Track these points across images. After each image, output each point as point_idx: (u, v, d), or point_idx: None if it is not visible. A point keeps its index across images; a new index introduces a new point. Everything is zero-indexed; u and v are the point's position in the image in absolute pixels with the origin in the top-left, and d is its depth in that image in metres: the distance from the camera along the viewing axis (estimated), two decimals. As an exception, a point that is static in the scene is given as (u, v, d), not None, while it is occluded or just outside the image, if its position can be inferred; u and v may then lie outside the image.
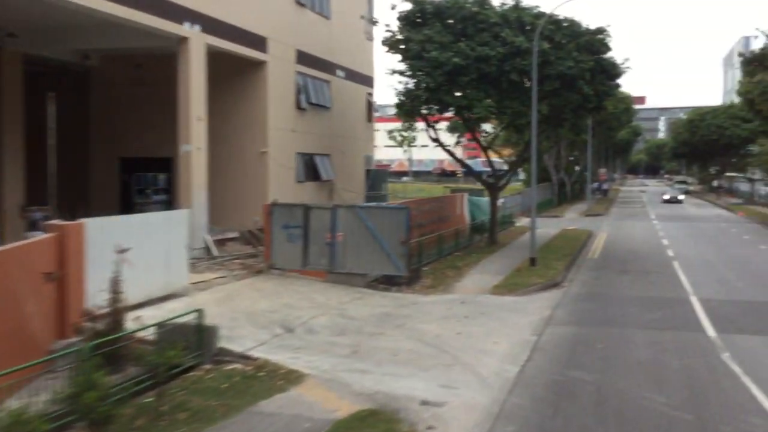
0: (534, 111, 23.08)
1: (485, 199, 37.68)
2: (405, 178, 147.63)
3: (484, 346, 13.14)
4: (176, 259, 15.24)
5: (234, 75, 24.96)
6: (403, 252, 18.20)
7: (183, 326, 11.45)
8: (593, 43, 26.15)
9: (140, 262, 13.56)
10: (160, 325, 11.47)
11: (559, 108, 26.31)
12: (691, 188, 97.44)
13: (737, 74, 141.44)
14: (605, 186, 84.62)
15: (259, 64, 25.06)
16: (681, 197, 68.14)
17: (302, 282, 18.31)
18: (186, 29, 20.77)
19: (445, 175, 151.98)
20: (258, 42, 24.60)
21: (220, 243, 22.96)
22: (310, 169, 28.83)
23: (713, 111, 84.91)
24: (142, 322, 11.66)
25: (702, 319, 15.47)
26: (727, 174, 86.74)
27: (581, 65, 25.10)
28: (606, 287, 20.12)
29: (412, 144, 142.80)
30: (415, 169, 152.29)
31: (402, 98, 27.12)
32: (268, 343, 12.63)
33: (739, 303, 17.49)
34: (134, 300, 13.83)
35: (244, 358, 11.48)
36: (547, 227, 38.66)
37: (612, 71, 27.16)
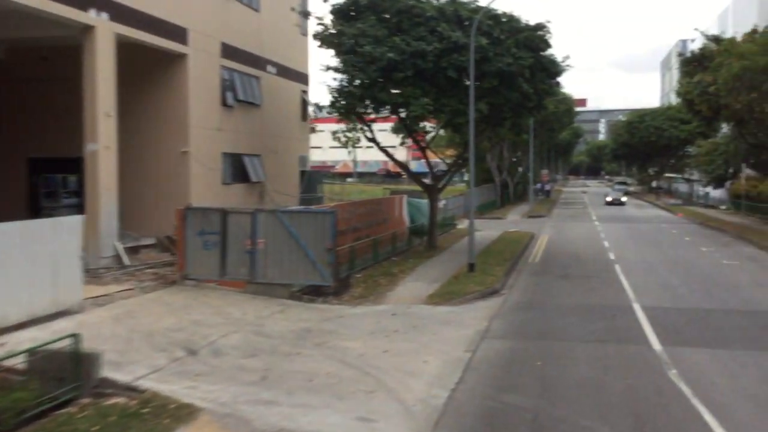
0: (471, 109, 21.97)
1: (425, 201, 36.57)
2: (350, 180, 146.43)
3: (413, 366, 11.81)
4: (67, 271, 13.44)
5: (151, 68, 23.13)
6: (330, 260, 16.75)
7: (58, 353, 9.78)
8: (533, 39, 25.21)
9: (18, 276, 11.78)
10: (30, 352, 9.77)
11: (498, 107, 25.30)
12: (631, 189, 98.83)
13: (675, 77, 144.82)
14: (548, 187, 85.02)
15: (179, 57, 23.26)
16: (624, 199, 67.56)
17: (218, 294, 16.68)
18: (92, 17, 18.89)
19: (390, 176, 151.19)
20: (177, 33, 22.80)
21: (134, 251, 21.11)
22: (238, 170, 27.12)
23: (652, 113, 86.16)
24: (10, 348, 9.96)
25: (646, 329, 14.49)
26: (666, 175, 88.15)
27: (520, 62, 24.14)
28: (546, 294, 19.10)
29: (356, 145, 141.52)
30: (359, 170, 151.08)
31: (336, 96, 25.74)
32: (165, 369, 11.02)
33: (683, 311, 16.63)
34: (12, 320, 12.07)
35: (129, 389, 9.86)
36: (490, 229, 37.81)
37: (552, 69, 26.30)
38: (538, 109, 27.71)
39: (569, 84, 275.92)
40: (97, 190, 19.21)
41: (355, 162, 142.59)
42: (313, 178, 33.71)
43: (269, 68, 29.58)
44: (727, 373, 11.52)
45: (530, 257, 27.26)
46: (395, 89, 24.49)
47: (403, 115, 26.07)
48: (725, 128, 76.38)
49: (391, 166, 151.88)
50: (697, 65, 38.90)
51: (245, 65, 27.55)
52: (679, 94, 41.16)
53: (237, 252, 17.01)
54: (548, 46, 25.93)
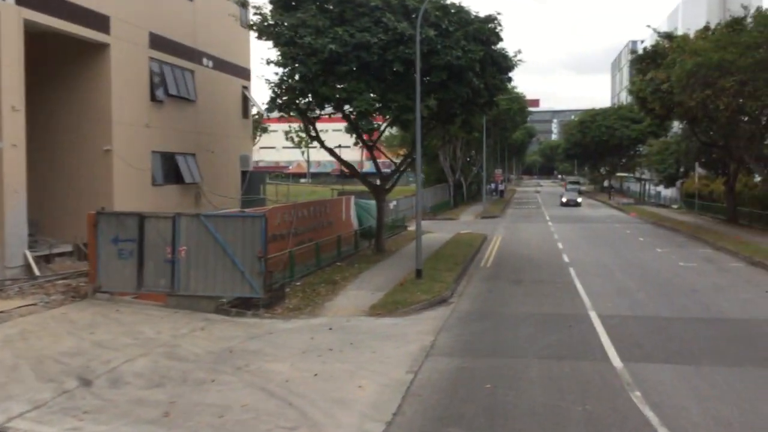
0: (417, 105, 20.56)
1: (374, 202, 35.13)
2: (303, 180, 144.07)
3: (346, 392, 10.31)
4: (-56, 288, 11.55)
5: (69, 59, 21.16)
6: (260, 269, 15.12)
7: None
8: (483, 32, 23.97)
9: None
10: None
11: (448, 102, 23.99)
12: (583, 188, 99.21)
13: (625, 77, 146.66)
14: (502, 187, 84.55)
15: (100, 48, 21.31)
16: (579, 200, 65.26)
17: (134, 309, 14.91)
18: (-7, -1, 16.89)
19: (345, 176, 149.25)
20: (98, 21, 20.84)
21: (48, 259, 19.11)
22: (170, 170, 25.23)
23: (603, 112, 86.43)
24: None
25: (605, 342, 13.26)
26: (618, 174, 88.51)
27: (470, 55, 22.85)
28: (498, 302, 17.81)
29: (309, 145, 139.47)
30: (313, 170, 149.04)
31: (276, 91, 24.13)
32: (48, 405, 9.29)
33: (643, 320, 15.49)
34: None
35: (-7, 436, 8.13)
36: (442, 231, 36.60)
37: (503, 64, 25.13)
38: (490, 105, 26.49)
39: (522, 85, 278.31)
40: (2, 192, 17.19)
41: (308, 162, 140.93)
42: (255, 179, 31.93)
43: (205, 61, 27.73)
44: (695, 394, 10.29)
45: (482, 261, 26.03)
46: (338, 84, 23.00)
47: (348, 111, 24.52)
48: (676, 127, 77.00)
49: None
50: (650, 63, 38.31)
51: (178, 57, 25.67)
52: (631, 92, 40.60)
53: (156, 261, 15.25)
54: (499, 39, 24.76)
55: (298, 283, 19.87)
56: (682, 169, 59.24)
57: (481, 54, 23.29)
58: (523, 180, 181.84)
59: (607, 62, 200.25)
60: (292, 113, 25.10)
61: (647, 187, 66.66)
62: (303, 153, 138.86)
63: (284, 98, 24.16)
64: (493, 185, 79.73)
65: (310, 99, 24.09)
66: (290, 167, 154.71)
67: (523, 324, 15.03)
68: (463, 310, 16.78)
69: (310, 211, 25.54)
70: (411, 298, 17.22)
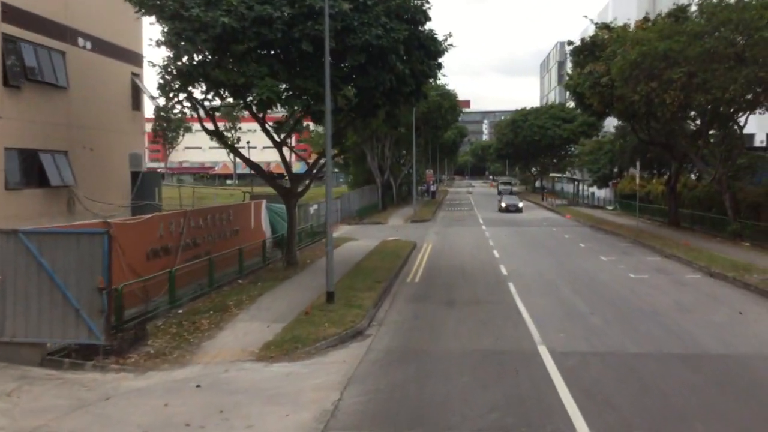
0: (327, 92, 16.94)
1: (293, 207, 31.33)
2: (229, 182, 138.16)
3: None
4: None
5: None
6: (101, 305, 11.15)
7: None
8: (408, 9, 20.48)
9: None
10: None
11: (368, 91, 20.40)
12: (515, 189, 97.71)
13: (554, 78, 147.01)
14: (433, 188, 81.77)
15: (-76, 15, 16.83)
16: (521, 205, 55.95)
17: None
18: None
19: (273, 177, 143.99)
20: None
21: None
22: (31, 170, 20.77)
23: (535, 111, 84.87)
24: None
25: (565, 399, 9.90)
26: (551, 174, 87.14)
27: (393, 35, 19.35)
28: (426, 333, 14.31)
29: (237, 144, 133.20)
30: (240, 171, 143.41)
31: (165, 77, 20.08)
32: None
33: (606, 358, 12.24)
34: None
35: None
36: (367, 237, 33.12)
37: (432, 47, 21.70)
38: (417, 95, 23.02)
39: (453, 86, 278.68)
40: None
41: (235, 163, 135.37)
42: (149, 182, 27.53)
43: (81, 42, 23.30)
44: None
45: (410, 274, 22.60)
46: (236, 67, 19.12)
47: (248, 100, 20.64)
48: (608, 126, 75.83)
49: (275, 167, 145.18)
50: (588, 55, 35.79)
51: (43, 36, 21.23)
52: (568, 86, 38.10)
53: (-42, 296, 11.09)
54: (427, 18, 21.33)
55: (181, 311, 15.97)
56: (615, 169, 57.68)
57: (405, 34, 19.82)
58: (455, 180, 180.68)
59: (536, 65, 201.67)
60: (184, 103, 21.00)
61: (581, 187, 64.93)
62: (228, 153, 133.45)
63: (174, 85, 20.14)
64: (424, 186, 76.90)
65: (203, 85, 20.12)
66: (217, 168, 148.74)
67: (456, 369, 11.56)
68: (382, 347, 13.21)
69: (208, 220, 21.54)
70: (316, 333, 13.55)
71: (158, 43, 19.39)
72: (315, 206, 36.45)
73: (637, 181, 36.40)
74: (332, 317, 14.74)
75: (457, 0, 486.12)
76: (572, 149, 79.96)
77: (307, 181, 24.40)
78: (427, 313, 16.32)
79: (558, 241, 32.94)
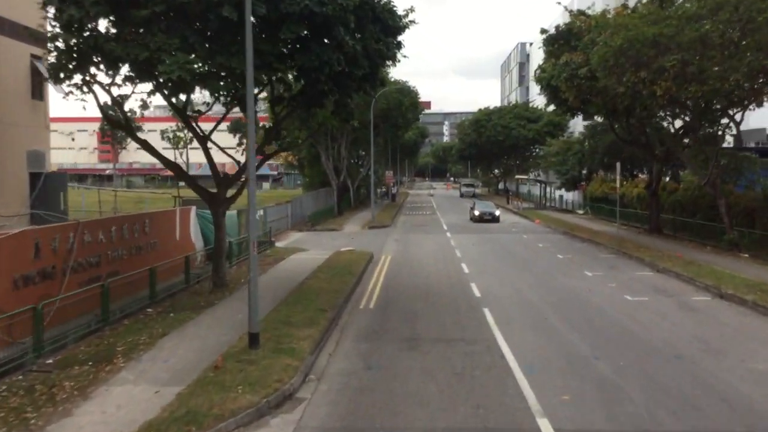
0: (249, 71, 12.90)
1: (233, 213, 27.19)
2: (182, 184, 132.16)
3: None
4: None
5: None
6: None
7: None
8: (360, -30, 16.56)
9: None
10: None
11: (311, 73, 16.43)
12: (477, 191, 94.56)
13: (515, 80, 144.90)
14: (394, 190, 78.02)
15: None
16: (497, 213, 46.47)
17: None
18: None
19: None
20: None
21: None
22: None
23: (499, 111, 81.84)
24: None
25: None
26: (517, 176, 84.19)
27: (341, 2, 15.42)
28: (381, 400, 10.34)
29: (188, 145, 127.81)
30: (194, 173, 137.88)
31: (56, 52, 15.84)
32: None
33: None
34: None
35: None
36: (319, 247, 29.18)
37: (389, 21, 17.81)
38: (372, 81, 18.99)
39: (413, 85, 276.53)
40: None
41: (187, 164, 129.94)
42: (53, 184, 23.07)
43: (-44, 11, 18.84)
44: None
45: (363, 297, 18.67)
46: (137, 38, 14.95)
47: (158, 79, 16.42)
48: (576, 127, 73.12)
49: (229, 168, 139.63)
50: (563, 44, 32.32)
51: None
52: (540, 80, 34.66)
53: None
54: (384, -17, 17.47)
55: (51, 360, 11.77)
56: (584, 171, 54.64)
57: (356, 1, 15.92)
58: (416, 182, 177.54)
59: (497, 68, 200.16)
60: (81, 85, 16.68)
61: (548, 190, 61.83)
62: (181, 154, 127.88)
63: (67, 63, 15.88)
64: (384, 189, 73.11)
65: (99, 62, 15.87)
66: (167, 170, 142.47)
67: (425, 471, 7.65)
68: (317, 424, 9.24)
69: (113, 232, 17.28)
70: (223, 403, 9.50)
71: (44, 4, 15.21)
72: (261, 212, 32.28)
73: (618, 183, 32.97)
74: (251, 374, 10.70)
75: (417, 1, 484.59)
76: (537, 150, 77.09)
77: (240, 184, 20.27)
78: (383, 360, 12.38)
79: (532, 251, 29.33)
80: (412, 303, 17.71)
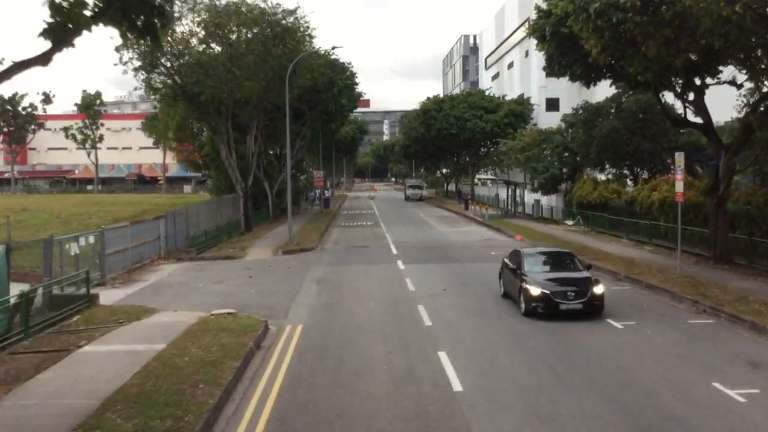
0: None
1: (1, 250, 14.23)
2: (90, 187, 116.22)
3: None
4: None
5: None
6: None
7: None
8: None
9: None
10: None
11: None
12: (425, 193, 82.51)
13: (458, 74, 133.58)
14: (328, 194, 64.94)
15: None
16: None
17: None
18: None
19: (145, 182, 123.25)
20: None
21: None
22: None
23: (451, 100, 69.58)
24: None
25: None
26: (478, 177, 72.23)
27: None
28: None
29: (96, 145, 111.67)
30: (106, 175, 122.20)
31: None
32: None
33: None
34: None
35: None
36: (183, 301, 16.42)
37: None
38: None
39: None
40: None
41: (97, 165, 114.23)
42: None
43: None
44: None
45: None
46: None
47: None
48: (539, 116, 61.86)
49: (147, 170, 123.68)
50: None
51: None
52: (538, 28, 22.47)
53: None
54: None
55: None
56: (565, 170, 42.90)
57: None
58: (355, 183, 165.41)
59: (436, 69, 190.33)
60: None
61: (517, 193, 49.85)
62: (89, 154, 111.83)
63: None
64: (314, 193, 60.01)
65: None
66: (77, 171, 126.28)
67: None
68: None
69: None
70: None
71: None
72: (82, 240, 18.98)
73: (679, 183, 20.35)
74: None
75: (355, 4, 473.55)
76: (497, 145, 65.39)
77: None
78: None
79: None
80: None
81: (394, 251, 28.84)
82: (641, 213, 30.94)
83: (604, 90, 34.87)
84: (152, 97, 32.47)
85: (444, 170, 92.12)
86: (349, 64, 46.36)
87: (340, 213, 56.40)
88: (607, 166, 38.75)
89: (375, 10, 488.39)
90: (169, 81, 32.37)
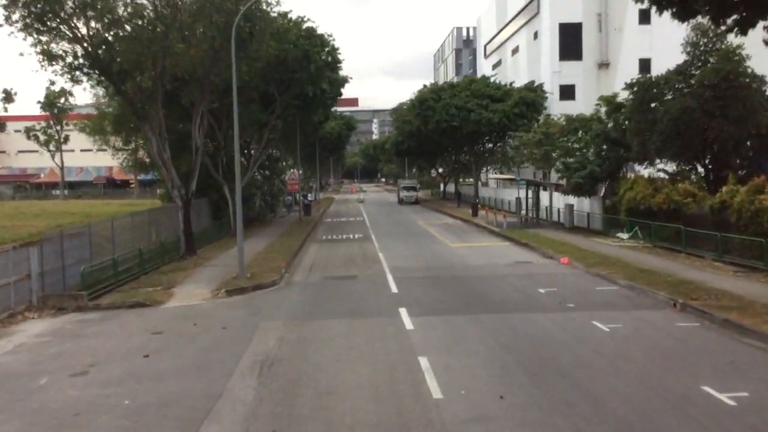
0: None
1: None
2: (56, 191, 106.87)
3: None
4: None
5: None
6: None
7: None
8: None
9: None
10: None
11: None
12: (419, 194, 73.07)
13: (450, 69, 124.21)
14: (310, 198, 55.25)
15: None
16: None
17: None
18: None
19: (115, 185, 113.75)
20: None
21: None
22: None
23: (451, 88, 60.05)
24: None
25: None
26: (492, 176, 62.68)
27: None
28: None
29: (61, 146, 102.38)
30: (73, 178, 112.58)
31: None
32: None
33: None
34: None
35: None
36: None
37: None
38: None
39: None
40: None
41: (63, 168, 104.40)
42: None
43: None
44: None
45: None
46: None
47: None
48: (552, 105, 52.65)
49: (117, 173, 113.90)
50: None
51: None
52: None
53: None
54: None
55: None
56: (598, 168, 33.49)
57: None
58: (344, 184, 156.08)
59: (426, 68, 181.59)
60: None
61: (540, 195, 40.21)
62: (53, 156, 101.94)
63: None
64: (290, 197, 50.34)
65: None
66: (42, 175, 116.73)
67: None
68: None
69: None
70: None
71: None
72: None
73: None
74: None
75: (342, 3, 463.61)
76: (507, 138, 56.09)
77: None
78: None
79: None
80: None
81: (393, 288, 19.32)
82: (740, 225, 21.75)
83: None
84: (52, 68, 22.82)
85: (440, 169, 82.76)
86: (330, 36, 36.68)
87: (323, 221, 46.71)
88: (663, 160, 29.64)
89: (362, 8, 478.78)
90: (71, 47, 22.87)
